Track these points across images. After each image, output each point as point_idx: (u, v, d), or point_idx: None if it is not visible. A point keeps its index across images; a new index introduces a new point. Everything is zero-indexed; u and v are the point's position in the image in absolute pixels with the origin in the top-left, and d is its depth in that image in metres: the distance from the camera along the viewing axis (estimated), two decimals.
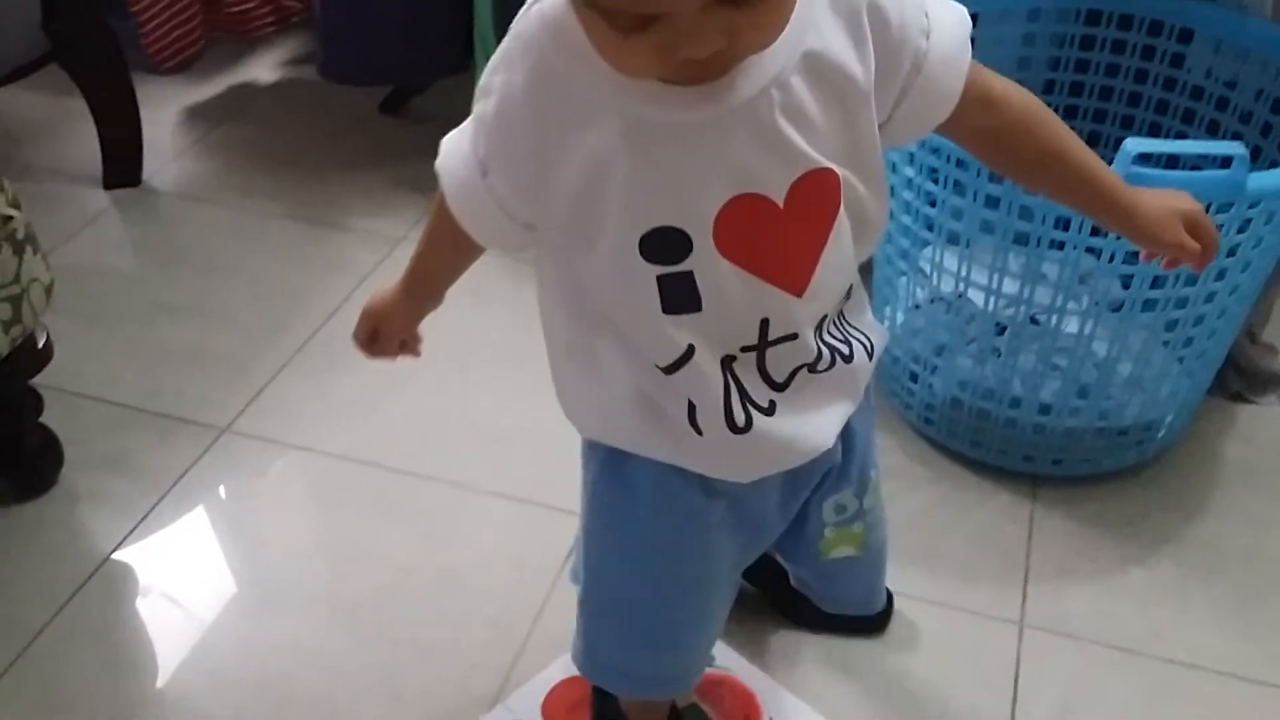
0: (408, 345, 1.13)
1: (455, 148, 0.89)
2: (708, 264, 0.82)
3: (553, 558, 1.49)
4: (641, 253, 0.82)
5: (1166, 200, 0.97)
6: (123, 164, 2.19)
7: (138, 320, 1.87)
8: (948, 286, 1.55)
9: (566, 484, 1.58)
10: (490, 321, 1.87)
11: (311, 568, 1.49)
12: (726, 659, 1.37)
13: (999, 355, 1.56)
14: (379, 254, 2.02)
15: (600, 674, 1.15)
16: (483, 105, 0.84)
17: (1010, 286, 1.47)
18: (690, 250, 0.82)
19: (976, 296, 1.51)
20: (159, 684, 1.35)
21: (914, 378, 1.65)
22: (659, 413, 0.92)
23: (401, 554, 1.50)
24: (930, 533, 1.56)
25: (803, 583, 1.31)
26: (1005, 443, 1.60)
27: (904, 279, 1.62)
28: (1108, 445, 1.59)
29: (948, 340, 1.61)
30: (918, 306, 1.65)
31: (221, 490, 1.59)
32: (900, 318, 1.67)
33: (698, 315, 0.85)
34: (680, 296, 0.84)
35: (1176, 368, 1.56)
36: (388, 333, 1.10)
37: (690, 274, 0.83)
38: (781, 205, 0.81)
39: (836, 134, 0.82)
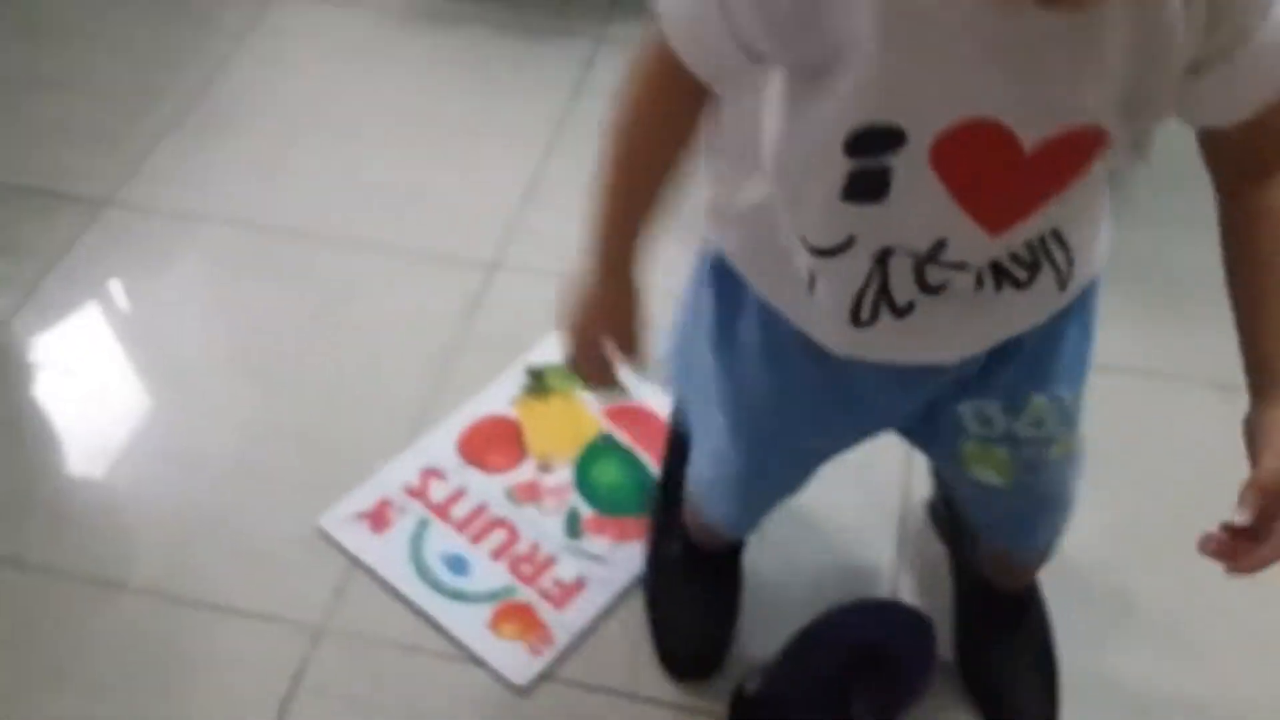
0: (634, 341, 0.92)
1: None
2: (912, 169, 0.71)
3: (454, 307, 1.47)
4: (845, 147, 0.70)
5: None
6: None
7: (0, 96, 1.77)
8: None
9: (462, 235, 1.56)
10: (383, 81, 1.79)
11: (211, 333, 1.46)
12: (640, 390, 1.38)
13: None
14: (251, 11, 1.91)
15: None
16: None
17: None
18: (900, 148, 0.70)
19: None
20: (61, 457, 1.34)
21: None
22: (789, 270, 0.82)
23: (303, 313, 1.47)
24: None
25: (953, 502, 1.15)
26: None
27: None
28: None
29: None
30: None
31: (110, 263, 1.54)
32: None
33: (874, 208, 0.73)
34: (865, 188, 0.72)
35: None
36: (618, 336, 0.90)
37: (887, 170, 0.71)
38: (1026, 152, 0.70)
39: (1131, 82, 0.68)
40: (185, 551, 1.24)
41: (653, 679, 1.15)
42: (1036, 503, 1.00)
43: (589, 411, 1.36)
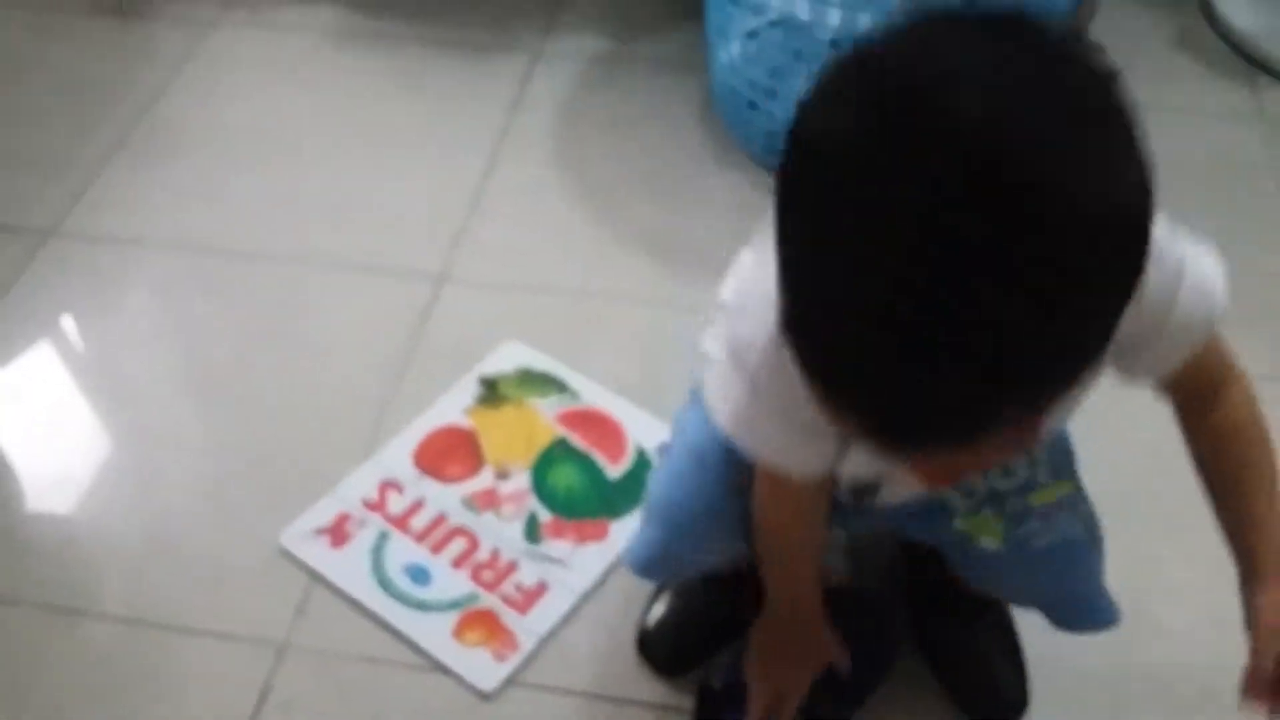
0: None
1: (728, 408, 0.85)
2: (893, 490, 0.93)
3: (404, 319, 1.48)
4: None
5: None
6: None
7: None
8: (778, 9, 1.53)
9: (409, 249, 1.57)
10: (323, 100, 1.80)
11: (160, 354, 1.46)
12: (592, 395, 1.39)
13: None
14: (189, 39, 1.91)
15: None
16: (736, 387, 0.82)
17: (837, 4, 1.45)
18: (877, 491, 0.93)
19: (803, 10, 1.50)
20: (17, 487, 1.33)
21: (753, 106, 1.64)
22: None
23: (251, 331, 1.47)
24: None
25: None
26: None
27: (734, 8, 1.59)
28: None
29: (782, 63, 1.60)
30: (752, 34, 1.63)
31: (58, 292, 1.53)
32: (736, 48, 1.65)
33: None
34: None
35: None
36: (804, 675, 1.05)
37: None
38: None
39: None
40: (145, 575, 1.24)
41: (620, 679, 1.16)
42: (1035, 558, 0.98)
43: (543, 418, 1.37)
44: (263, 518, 1.27)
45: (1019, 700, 1.13)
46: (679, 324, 1.47)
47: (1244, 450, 0.86)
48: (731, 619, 1.17)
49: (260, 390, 1.41)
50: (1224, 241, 1.72)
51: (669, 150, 1.74)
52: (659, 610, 1.18)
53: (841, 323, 0.57)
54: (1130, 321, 0.70)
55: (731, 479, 0.96)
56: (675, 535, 1.01)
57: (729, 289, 0.94)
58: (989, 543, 0.97)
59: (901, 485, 0.93)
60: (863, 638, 1.09)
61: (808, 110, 0.59)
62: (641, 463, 1.32)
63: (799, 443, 0.83)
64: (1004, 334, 0.54)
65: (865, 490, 0.95)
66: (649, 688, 1.15)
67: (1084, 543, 0.98)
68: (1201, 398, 0.86)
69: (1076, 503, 0.98)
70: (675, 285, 1.55)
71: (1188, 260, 0.78)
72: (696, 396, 0.98)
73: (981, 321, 0.54)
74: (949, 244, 0.53)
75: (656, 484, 1.04)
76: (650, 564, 1.04)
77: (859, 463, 0.87)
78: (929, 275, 0.53)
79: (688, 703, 1.13)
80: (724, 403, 0.85)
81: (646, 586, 1.19)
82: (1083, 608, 1.02)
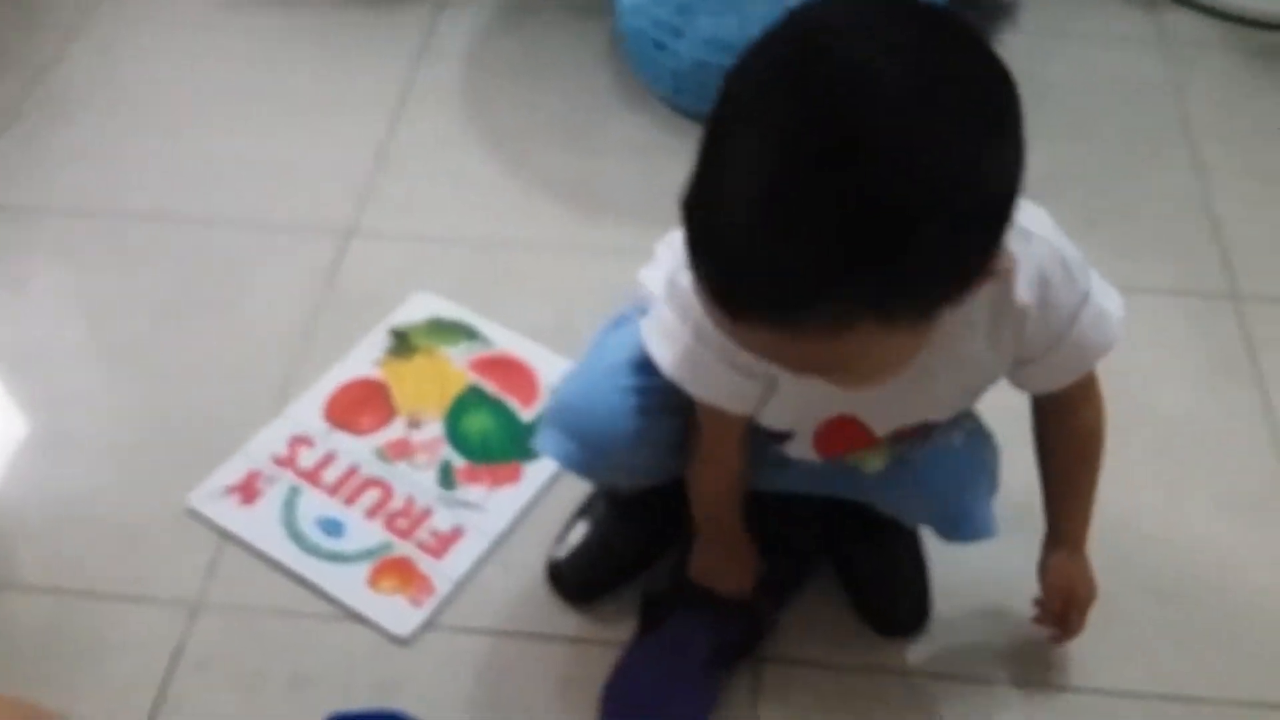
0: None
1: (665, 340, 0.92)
2: (801, 448, 1.01)
3: (312, 276, 1.47)
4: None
5: (1073, 575, 1.07)
6: None
7: None
8: None
9: (315, 205, 1.56)
10: (224, 59, 1.78)
11: (65, 321, 1.44)
12: (504, 341, 1.39)
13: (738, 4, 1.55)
14: (83, 3, 1.87)
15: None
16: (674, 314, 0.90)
17: None
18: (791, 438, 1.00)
19: None
20: None
21: (660, 46, 1.63)
22: None
23: (157, 294, 1.45)
24: None
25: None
26: None
27: None
28: None
29: (687, 1, 1.59)
30: None
31: None
32: None
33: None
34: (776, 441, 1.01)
35: None
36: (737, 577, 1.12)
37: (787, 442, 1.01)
38: (877, 435, 0.97)
39: (955, 396, 0.95)
40: (57, 542, 1.22)
41: (536, 616, 1.16)
42: (915, 471, 1.03)
43: (454, 366, 1.37)
44: (173, 480, 1.25)
45: (916, 618, 1.15)
46: (591, 268, 1.48)
47: (1085, 453, 1.03)
48: (640, 551, 1.18)
49: (168, 353, 1.39)
50: (1125, 160, 1.76)
51: (577, 95, 1.73)
52: (569, 541, 1.18)
53: (711, 198, 0.68)
54: (1031, 337, 0.87)
55: (650, 403, 0.98)
56: (594, 454, 1.02)
57: (674, 237, 0.95)
58: (874, 465, 1.03)
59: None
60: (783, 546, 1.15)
61: (746, 47, 0.70)
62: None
63: (735, 381, 0.91)
64: (821, 237, 0.64)
65: (773, 433, 1.00)
66: (564, 622, 1.15)
67: (963, 454, 1.02)
68: (1064, 408, 0.99)
69: (959, 418, 1.01)
70: (586, 229, 1.55)
71: (1094, 292, 0.88)
72: (624, 320, 1.02)
73: (808, 219, 0.64)
74: (798, 157, 0.64)
75: (573, 397, 1.04)
76: (573, 467, 1.06)
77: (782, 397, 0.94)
78: (777, 173, 0.65)
79: (602, 634, 1.14)
80: (667, 346, 0.92)
81: (560, 525, 1.20)
82: (961, 518, 1.06)
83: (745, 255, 0.66)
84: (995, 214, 0.69)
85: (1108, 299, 0.89)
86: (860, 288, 0.65)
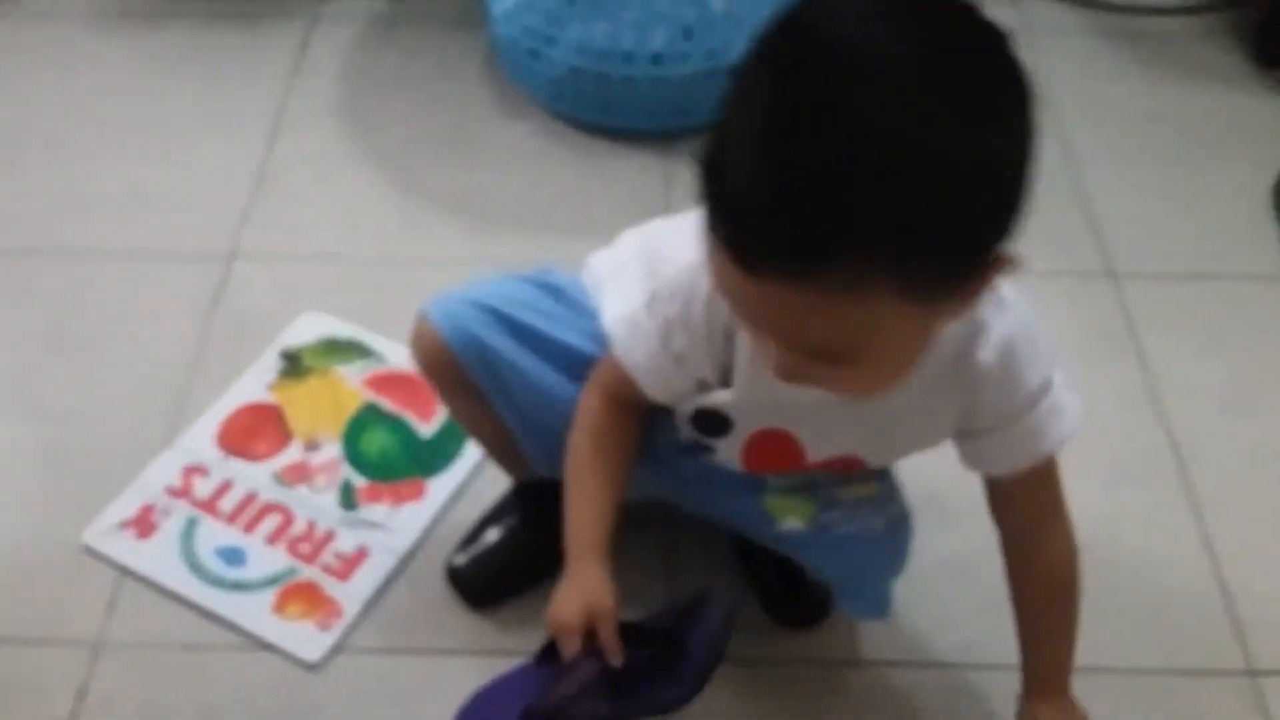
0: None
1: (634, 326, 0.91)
2: (728, 452, 0.98)
3: (196, 303, 1.44)
4: (693, 418, 0.96)
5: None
6: None
7: None
8: None
9: (194, 230, 1.53)
10: (94, 87, 1.73)
11: None
12: (398, 357, 1.38)
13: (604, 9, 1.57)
14: None
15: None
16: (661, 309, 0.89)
17: None
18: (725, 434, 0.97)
19: None
20: None
21: (535, 55, 1.64)
22: None
23: (35, 331, 1.41)
24: (577, 206, 1.59)
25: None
26: (629, 103, 1.63)
27: None
28: (723, 87, 1.64)
29: (556, 9, 1.60)
30: None
31: None
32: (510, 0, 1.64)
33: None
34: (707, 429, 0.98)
35: None
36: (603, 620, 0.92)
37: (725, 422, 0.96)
38: (808, 461, 0.97)
39: (888, 440, 0.95)
40: None
41: (447, 632, 1.16)
42: (832, 543, 1.03)
43: (349, 385, 1.36)
44: (67, 518, 1.22)
45: (817, 609, 1.17)
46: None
47: (1062, 602, 0.98)
48: (546, 557, 1.18)
49: (53, 389, 1.35)
50: None
51: (456, 107, 1.73)
52: (476, 547, 1.19)
53: (727, 154, 0.68)
54: (987, 405, 0.87)
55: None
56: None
57: (647, 227, 1.01)
58: (793, 524, 1.02)
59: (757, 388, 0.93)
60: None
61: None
62: (452, 422, 1.32)
63: (663, 365, 0.91)
64: (835, 194, 0.65)
65: (711, 423, 0.96)
66: (475, 637, 1.15)
67: (884, 540, 1.04)
68: (1029, 532, 0.97)
69: (884, 501, 1.03)
70: (473, 242, 1.54)
71: (1056, 385, 0.89)
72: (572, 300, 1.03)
73: (820, 175, 0.65)
74: (798, 118, 0.65)
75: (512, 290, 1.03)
76: (458, 332, 1.01)
77: (717, 396, 0.93)
78: (779, 135, 0.66)
79: (510, 644, 1.13)
80: (619, 300, 0.92)
81: (465, 532, 1.20)
82: (863, 598, 1.09)
83: (763, 206, 0.66)
84: (1001, 202, 0.69)
85: (1070, 396, 0.90)
86: (877, 243, 0.65)
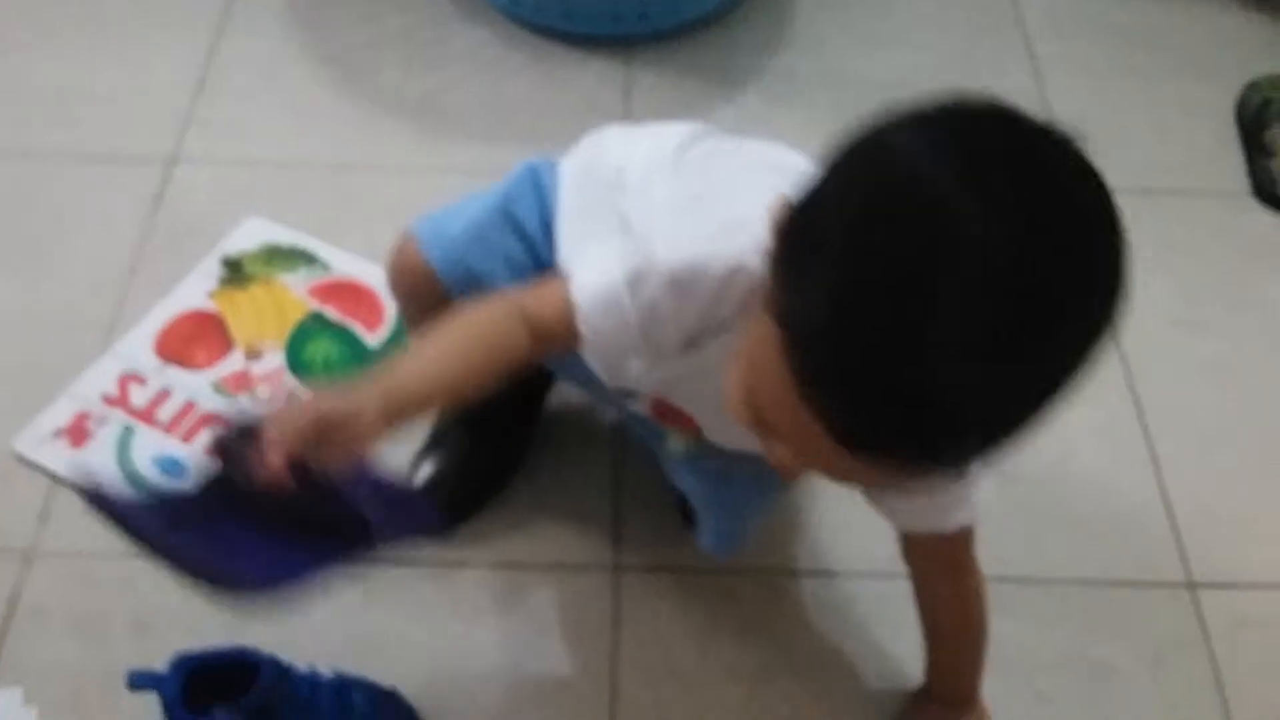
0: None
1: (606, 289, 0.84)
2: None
3: (135, 207, 1.40)
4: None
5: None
6: None
7: None
8: None
9: (135, 133, 1.48)
10: None
11: None
12: (345, 265, 1.35)
13: None
14: None
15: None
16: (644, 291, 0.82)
17: None
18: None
19: None
20: None
21: None
22: None
23: None
24: (536, 110, 1.55)
25: None
26: (591, 5, 1.58)
27: None
28: None
29: None
30: None
31: None
32: None
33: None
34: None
35: None
36: (344, 441, 0.78)
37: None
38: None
39: None
40: None
41: None
42: (708, 475, 1.02)
43: (294, 293, 1.33)
44: None
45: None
46: (435, 188, 1.43)
47: (969, 641, 1.00)
48: (499, 468, 1.17)
49: None
50: (965, 63, 1.75)
51: (412, 9, 1.68)
52: (426, 467, 1.16)
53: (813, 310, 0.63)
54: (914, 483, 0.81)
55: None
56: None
57: (661, 174, 0.93)
58: (675, 446, 1.01)
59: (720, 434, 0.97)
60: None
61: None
62: (402, 328, 1.29)
63: (628, 346, 0.84)
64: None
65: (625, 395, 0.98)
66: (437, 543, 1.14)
67: (747, 482, 1.02)
68: (942, 567, 0.97)
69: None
70: (427, 149, 1.51)
71: (974, 474, 0.86)
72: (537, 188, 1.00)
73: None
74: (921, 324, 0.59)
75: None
76: (450, 262, 0.98)
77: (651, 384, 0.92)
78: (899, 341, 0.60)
79: (472, 557, 1.13)
80: (595, 271, 0.84)
81: (415, 451, 1.18)
82: (717, 530, 1.05)
83: (889, 413, 0.62)
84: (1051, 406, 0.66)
85: (975, 489, 0.89)
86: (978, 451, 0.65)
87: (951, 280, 0.58)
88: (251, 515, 0.80)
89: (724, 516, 1.05)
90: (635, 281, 0.82)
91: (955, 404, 0.60)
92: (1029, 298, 0.59)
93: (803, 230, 0.65)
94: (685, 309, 0.81)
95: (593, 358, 0.87)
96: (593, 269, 0.85)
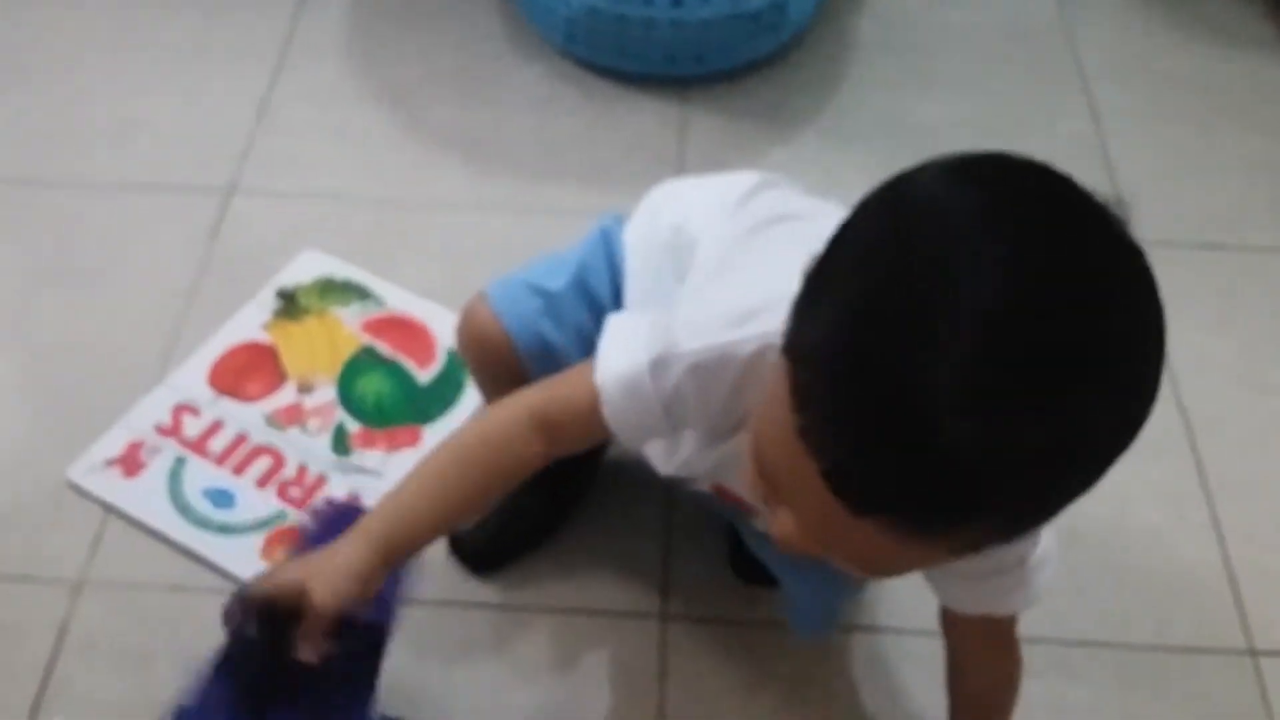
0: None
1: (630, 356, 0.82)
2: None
3: (192, 237, 1.41)
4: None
5: None
6: None
7: None
8: None
9: (193, 164, 1.49)
10: (92, 14, 1.68)
11: None
12: (397, 300, 1.35)
13: None
14: None
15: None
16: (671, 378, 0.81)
17: None
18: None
19: None
20: None
21: None
22: None
23: (29, 262, 1.38)
24: (589, 149, 1.56)
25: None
26: (647, 46, 1.59)
27: None
28: (743, 32, 1.60)
29: None
30: None
31: None
32: None
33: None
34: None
35: None
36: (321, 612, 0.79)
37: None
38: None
39: None
40: None
41: (442, 583, 1.13)
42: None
43: (346, 327, 1.33)
44: (52, 454, 1.20)
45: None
46: (487, 224, 1.45)
47: (1004, 704, 0.95)
48: (543, 521, 1.16)
49: (43, 323, 1.33)
50: (1022, 108, 1.76)
51: (467, 45, 1.68)
52: None
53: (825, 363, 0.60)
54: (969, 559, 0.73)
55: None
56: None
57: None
58: (760, 523, 0.97)
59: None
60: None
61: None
62: (452, 365, 1.29)
63: (654, 428, 0.83)
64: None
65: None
66: (466, 588, 1.13)
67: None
68: (983, 646, 0.93)
69: None
70: (480, 185, 1.51)
71: (1031, 562, 0.83)
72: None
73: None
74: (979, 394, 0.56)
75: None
76: (523, 326, 0.98)
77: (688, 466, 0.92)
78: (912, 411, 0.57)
79: (510, 599, 1.12)
80: (621, 354, 0.82)
81: None
82: (808, 611, 1.04)
83: (899, 478, 0.58)
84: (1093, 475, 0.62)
85: (1039, 574, 0.85)
86: (1003, 519, 0.61)
87: (956, 314, 0.55)
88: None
89: (813, 593, 1.02)
90: (659, 366, 0.80)
91: (953, 454, 0.56)
92: (1039, 350, 0.56)
93: (820, 264, 0.64)
94: (710, 392, 0.80)
95: (624, 442, 0.87)
96: (619, 353, 0.83)
